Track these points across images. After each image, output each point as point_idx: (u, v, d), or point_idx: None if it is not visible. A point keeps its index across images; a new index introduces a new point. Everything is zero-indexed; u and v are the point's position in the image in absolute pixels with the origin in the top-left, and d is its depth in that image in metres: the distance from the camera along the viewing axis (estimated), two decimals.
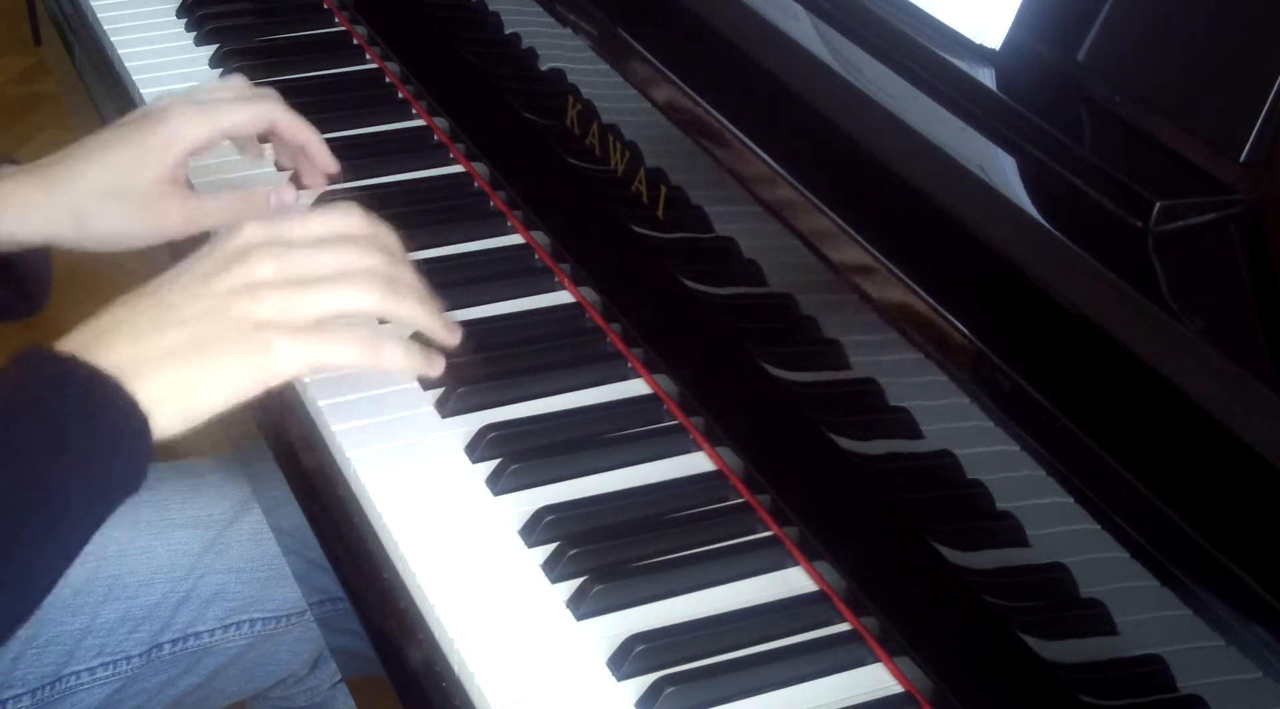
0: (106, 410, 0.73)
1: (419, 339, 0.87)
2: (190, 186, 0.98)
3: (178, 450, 0.90)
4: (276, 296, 0.79)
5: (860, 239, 0.77)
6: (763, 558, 0.82)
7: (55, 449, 0.71)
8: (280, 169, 1.09)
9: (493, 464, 0.87)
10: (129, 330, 0.77)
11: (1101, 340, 0.66)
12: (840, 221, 0.78)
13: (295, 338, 0.79)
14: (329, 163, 1.03)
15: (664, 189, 0.94)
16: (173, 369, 0.76)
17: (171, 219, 0.94)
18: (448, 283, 1.01)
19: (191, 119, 0.95)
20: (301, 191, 1.02)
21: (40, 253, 0.96)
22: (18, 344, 0.75)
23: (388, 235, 0.87)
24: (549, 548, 0.82)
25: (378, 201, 1.08)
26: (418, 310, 0.85)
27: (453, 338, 0.88)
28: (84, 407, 0.73)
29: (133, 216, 0.93)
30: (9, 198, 0.92)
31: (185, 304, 0.78)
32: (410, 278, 0.86)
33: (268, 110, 0.99)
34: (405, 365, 0.85)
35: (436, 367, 0.87)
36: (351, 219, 0.86)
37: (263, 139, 1.05)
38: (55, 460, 0.71)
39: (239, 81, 1.02)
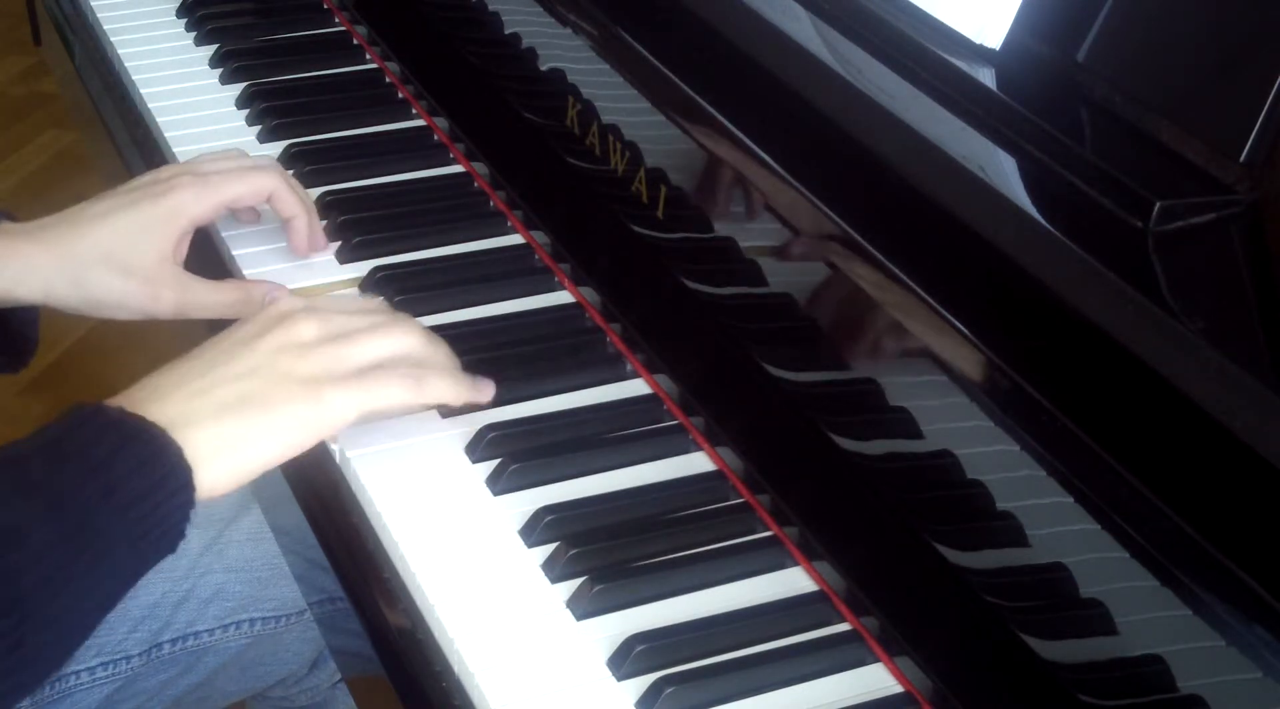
0: (154, 462, 0.74)
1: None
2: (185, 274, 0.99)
3: None
4: (320, 352, 0.82)
5: (860, 239, 0.77)
6: (763, 558, 0.82)
7: (103, 497, 0.72)
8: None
9: (493, 464, 0.87)
10: (177, 389, 0.79)
11: (1101, 340, 0.66)
12: (840, 221, 0.78)
13: (343, 387, 0.82)
14: (316, 241, 1.03)
15: (664, 189, 0.94)
16: (221, 425, 0.78)
17: (164, 303, 0.96)
18: (448, 283, 1.02)
19: (195, 193, 0.97)
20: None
21: (30, 310, 0.98)
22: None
23: (407, 316, 0.91)
24: (549, 548, 0.82)
25: (378, 202, 1.09)
26: (452, 363, 0.88)
27: (485, 396, 0.90)
28: (133, 458, 0.74)
29: (128, 291, 0.95)
30: (10, 256, 0.93)
31: (232, 364, 0.81)
32: (436, 336, 0.89)
33: (265, 181, 1.00)
34: (452, 394, 0.87)
35: (486, 391, 0.89)
36: (375, 300, 0.92)
37: None
38: (102, 507, 0.72)
39: (240, 154, 1.04)
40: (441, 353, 0.88)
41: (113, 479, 0.73)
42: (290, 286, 1.00)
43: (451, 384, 0.86)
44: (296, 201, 1.02)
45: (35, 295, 0.94)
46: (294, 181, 1.03)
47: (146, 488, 0.73)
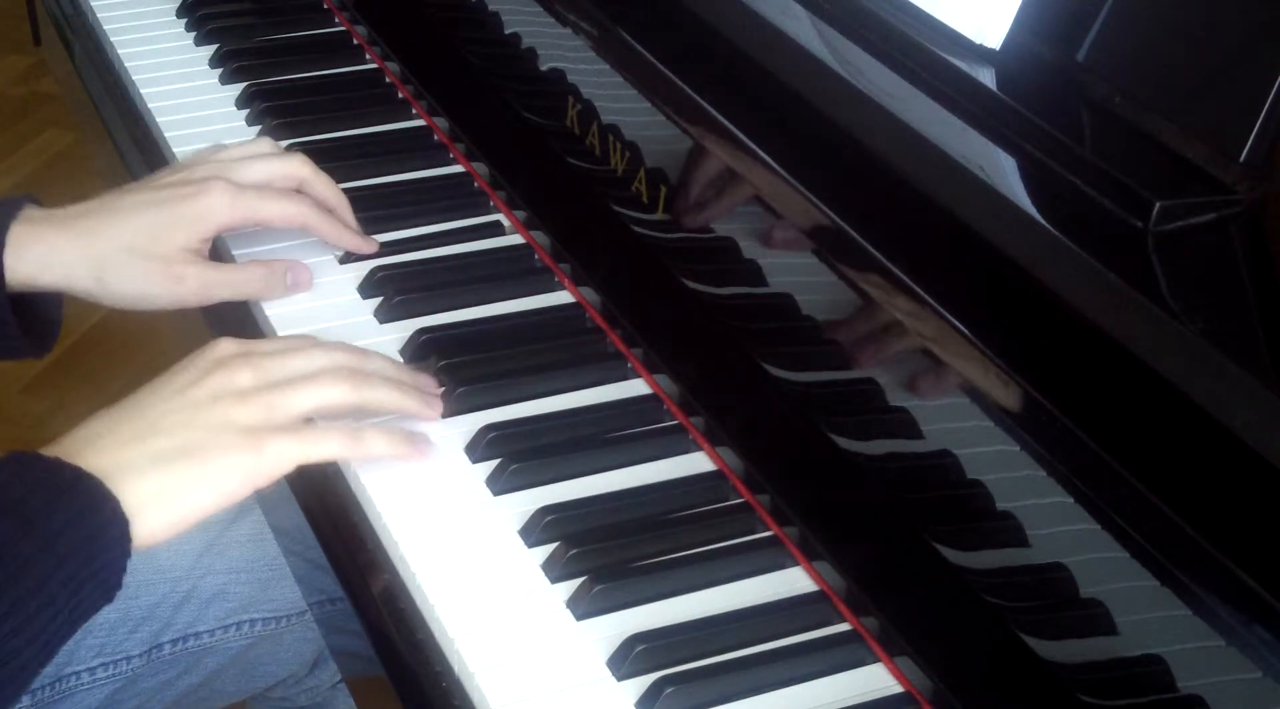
0: (90, 514, 0.74)
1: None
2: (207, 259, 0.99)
3: None
4: (256, 401, 0.82)
5: (860, 239, 0.77)
6: (763, 558, 0.82)
7: (39, 549, 0.72)
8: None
9: (493, 464, 0.87)
10: (114, 439, 0.79)
11: (1101, 340, 0.66)
12: (840, 221, 0.78)
13: (283, 437, 0.81)
14: (364, 248, 1.04)
15: (664, 189, 0.94)
16: (159, 474, 0.77)
17: (188, 286, 0.96)
18: (448, 283, 1.02)
19: (229, 202, 0.97)
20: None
21: (54, 296, 0.98)
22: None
23: (349, 346, 0.90)
24: (549, 548, 0.82)
25: (378, 201, 1.09)
26: (387, 395, 0.87)
27: (432, 412, 0.89)
28: (69, 510, 0.74)
29: (151, 279, 0.95)
30: (35, 242, 0.93)
31: (168, 413, 0.81)
32: (378, 367, 0.88)
33: (299, 212, 1.00)
34: (389, 452, 0.86)
35: (421, 449, 0.87)
36: (308, 337, 0.90)
37: None
38: (38, 560, 0.72)
39: (269, 147, 1.04)
40: (378, 392, 0.86)
41: (49, 532, 0.72)
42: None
43: (386, 443, 0.85)
44: (335, 227, 1.02)
45: (57, 283, 0.94)
46: (325, 178, 1.02)
47: (83, 539, 0.73)
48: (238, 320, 0.99)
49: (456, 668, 0.76)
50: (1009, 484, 0.71)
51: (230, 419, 0.81)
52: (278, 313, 0.98)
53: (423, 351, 0.95)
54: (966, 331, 0.71)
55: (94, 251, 0.94)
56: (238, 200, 0.97)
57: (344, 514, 0.86)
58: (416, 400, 0.88)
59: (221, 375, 0.82)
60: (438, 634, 0.78)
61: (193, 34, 1.29)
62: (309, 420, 0.84)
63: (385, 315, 0.99)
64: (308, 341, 0.89)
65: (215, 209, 0.96)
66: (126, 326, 2.09)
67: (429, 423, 0.89)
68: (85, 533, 0.74)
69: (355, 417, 0.87)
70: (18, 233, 0.93)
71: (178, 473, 0.78)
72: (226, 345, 0.85)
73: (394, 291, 0.99)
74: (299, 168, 1.01)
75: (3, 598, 0.71)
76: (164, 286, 0.95)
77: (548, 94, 1.05)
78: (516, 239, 1.06)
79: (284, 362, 0.85)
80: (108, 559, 0.74)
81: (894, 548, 0.79)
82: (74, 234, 0.94)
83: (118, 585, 0.76)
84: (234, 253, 1.04)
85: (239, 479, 0.80)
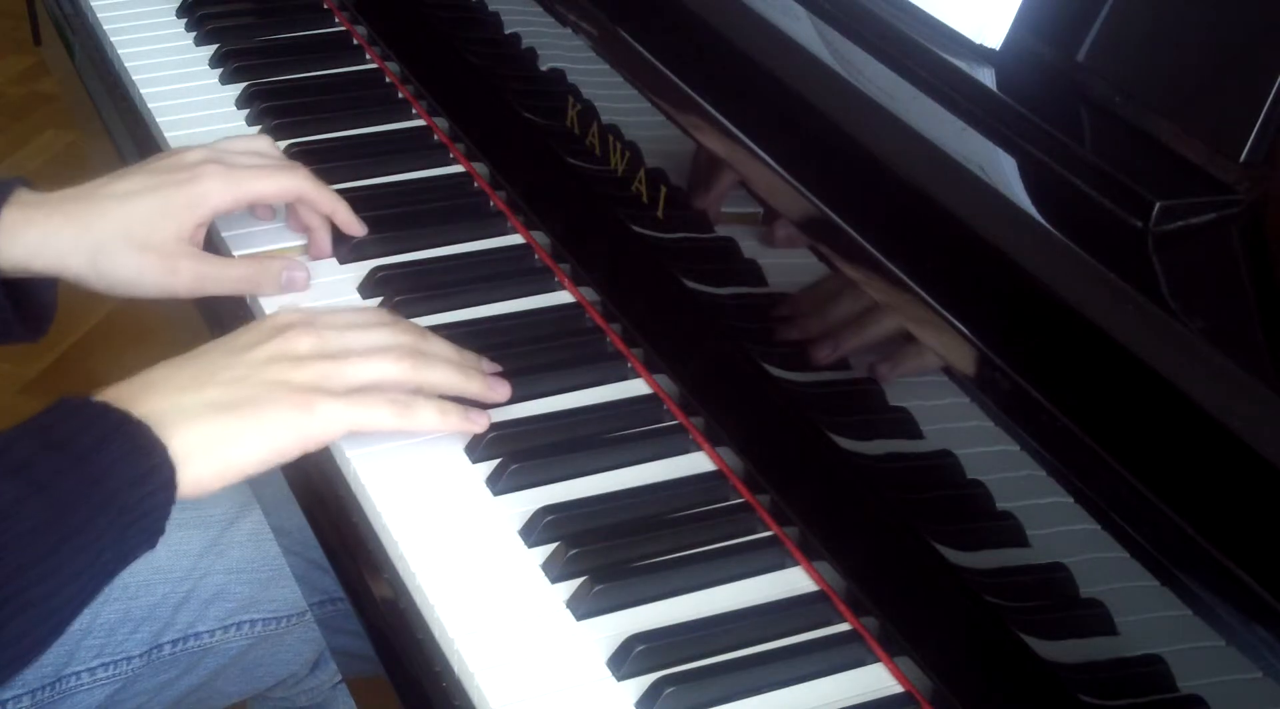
0: (137, 455, 0.75)
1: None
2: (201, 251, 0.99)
3: None
4: (314, 367, 0.83)
5: (860, 239, 0.77)
6: (763, 558, 0.82)
7: (88, 486, 0.72)
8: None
9: (493, 464, 0.87)
10: (167, 385, 0.79)
11: (1101, 340, 0.66)
12: (840, 221, 0.78)
13: (335, 401, 0.82)
14: (357, 229, 1.04)
15: (664, 189, 0.94)
16: (209, 423, 0.78)
17: (181, 277, 0.96)
18: (448, 283, 1.02)
19: (222, 185, 0.97)
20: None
21: (49, 280, 0.97)
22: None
23: (411, 325, 0.90)
24: (549, 548, 0.82)
25: (378, 201, 1.09)
26: (446, 377, 0.87)
27: (500, 395, 0.90)
28: (115, 449, 0.74)
29: (145, 268, 0.95)
30: (29, 226, 0.93)
31: (226, 368, 0.81)
32: (440, 350, 0.89)
33: (296, 184, 1.01)
34: (440, 425, 0.86)
35: (479, 422, 0.88)
36: (380, 312, 0.91)
37: None
38: (87, 497, 0.72)
39: (267, 146, 1.04)
40: (437, 373, 0.87)
41: (98, 470, 0.73)
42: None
43: (438, 416, 0.86)
44: (331, 195, 1.02)
45: (50, 268, 0.94)
46: (318, 180, 1.03)
47: (130, 481, 0.74)
48: (237, 319, 0.99)
49: (456, 668, 0.76)
50: (1009, 484, 0.71)
51: (285, 379, 0.81)
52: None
53: None
54: (966, 331, 0.71)
55: (88, 238, 0.94)
56: (231, 182, 0.97)
57: (344, 514, 0.86)
58: (479, 383, 0.88)
59: (282, 340, 0.83)
60: (438, 634, 0.78)
61: (193, 34, 1.29)
62: None
63: None
64: (373, 317, 0.89)
65: (208, 193, 0.96)
66: (127, 327, 2.08)
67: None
68: (132, 475, 0.74)
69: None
70: (11, 216, 0.93)
71: (228, 424, 0.78)
72: (291, 314, 0.86)
73: (394, 292, 0.99)
74: (297, 179, 1.01)
75: (50, 533, 0.71)
76: (157, 277, 0.95)
77: (548, 94, 1.05)
78: (516, 239, 1.06)
79: (345, 334, 0.85)
80: (153, 503, 0.75)
81: (894, 548, 0.79)
82: (69, 219, 0.94)
83: (160, 530, 0.76)
84: (235, 253, 1.04)
85: (289, 436, 0.80)
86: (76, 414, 0.75)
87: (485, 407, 0.89)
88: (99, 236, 0.94)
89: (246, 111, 1.19)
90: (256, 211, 1.06)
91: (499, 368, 0.91)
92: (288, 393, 0.81)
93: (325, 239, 1.04)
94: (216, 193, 0.97)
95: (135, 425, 0.75)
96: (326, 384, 0.82)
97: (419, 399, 0.85)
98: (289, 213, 1.06)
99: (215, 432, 0.78)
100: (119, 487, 0.73)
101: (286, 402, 0.80)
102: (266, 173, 1.00)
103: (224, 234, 1.05)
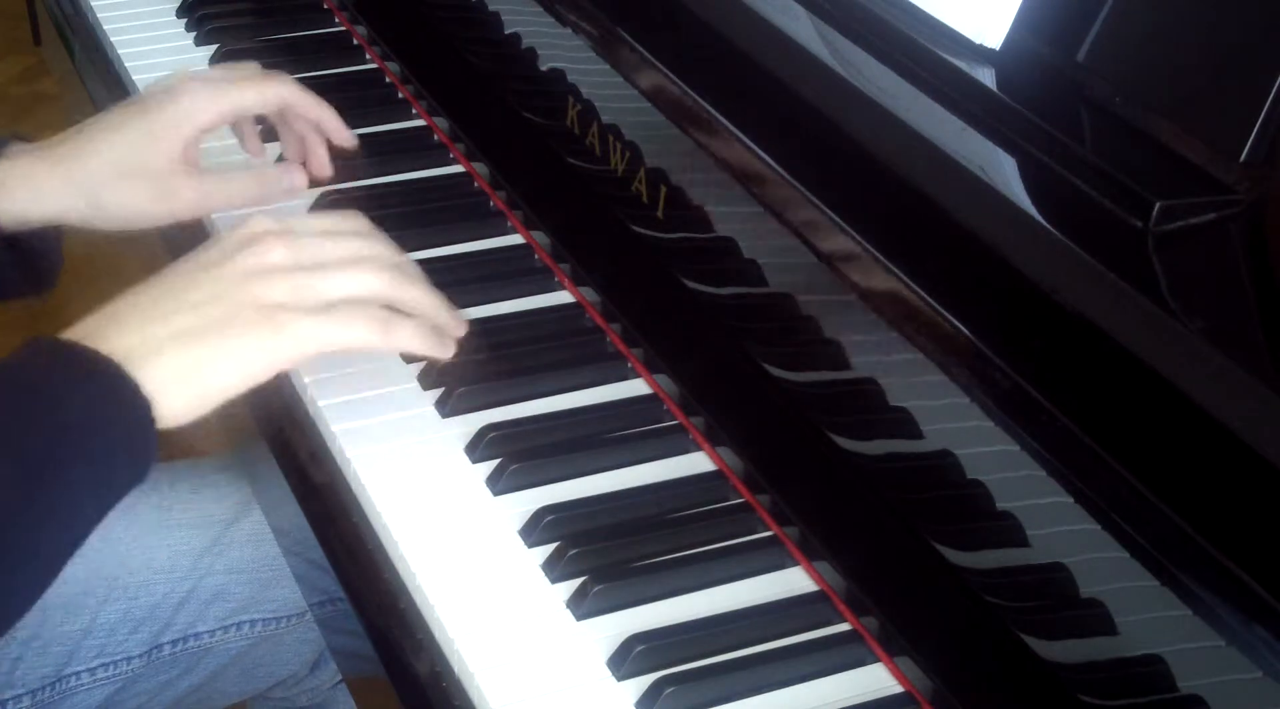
0: (109, 397, 0.73)
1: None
2: (200, 167, 0.98)
3: (177, 451, 0.90)
4: (287, 280, 0.79)
5: (860, 239, 0.77)
6: (763, 558, 0.82)
7: (58, 435, 0.71)
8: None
9: (493, 464, 0.87)
10: (135, 317, 0.77)
11: (1101, 340, 0.66)
12: (840, 221, 0.78)
13: (306, 318, 0.79)
14: (346, 137, 1.03)
15: (664, 189, 0.94)
16: (180, 353, 0.76)
17: (183, 197, 0.94)
18: (448, 283, 1.01)
19: (204, 96, 0.95)
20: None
21: (51, 232, 0.96)
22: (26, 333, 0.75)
23: (387, 238, 0.88)
24: (549, 548, 0.82)
25: (378, 201, 1.09)
26: (423, 296, 0.85)
27: (459, 328, 0.88)
28: (86, 392, 0.72)
29: (144, 195, 0.94)
30: (20, 177, 0.92)
31: (193, 289, 0.79)
32: (414, 269, 0.87)
33: (280, 89, 0.99)
34: (416, 344, 0.84)
35: (447, 348, 0.86)
36: (356, 218, 0.87)
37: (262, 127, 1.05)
38: (58, 446, 0.71)
39: (252, 65, 1.02)
40: (415, 290, 0.85)
41: (70, 417, 0.71)
42: None
43: (416, 335, 0.83)
44: (317, 101, 1.00)
45: (51, 216, 0.93)
46: (304, 87, 1.01)
47: (104, 423, 0.72)
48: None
49: (456, 668, 0.76)
50: (1009, 484, 0.71)
51: (255, 297, 0.78)
52: None
53: None
54: (966, 331, 0.71)
55: (81, 177, 0.93)
56: (214, 93, 0.96)
57: (344, 514, 0.86)
58: (448, 313, 0.87)
59: (253, 252, 0.80)
60: (438, 634, 0.78)
61: (193, 34, 1.29)
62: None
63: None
64: (349, 224, 0.86)
65: (192, 107, 0.95)
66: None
67: (426, 417, 0.89)
68: (107, 416, 0.72)
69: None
70: (3, 170, 0.92)
71: (198, 351, 0.76)
72: (262, 221, 0.82)
73: None
74: (283, 85, 0.99)
75: (24, 484, 0.69)
76: (159, 203, 0.94)
77: (548, 94, 1.05)
78: (516, 239, 1.06)
79: (321, 244, 0.83)
80: (132, 443, 0.73)
81: (894, 548, 0.79)
82: (59, 163, 0.93)
83: (147, 464, 0.74)
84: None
85: (261, 359, 0.78)
86: (46, 356, 0.73)
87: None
88: (92, 172, 0.92)
89: None
90: (247, 145, 1.05)
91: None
92: (257, 312, 0.78)
93: (323, 153, 1.02)
94: (200, 107, 0.95)
95: (106, 364, 0.73)
96: (301, 299, 0.79)
97: (397, 316, 0.83)
98: (281, 133, 1.04)
99: (187, 361, 0.76)
100: (93, 433, 0.72)
101: (257, 321, 0.77)
102: (249, 82, 0.98)
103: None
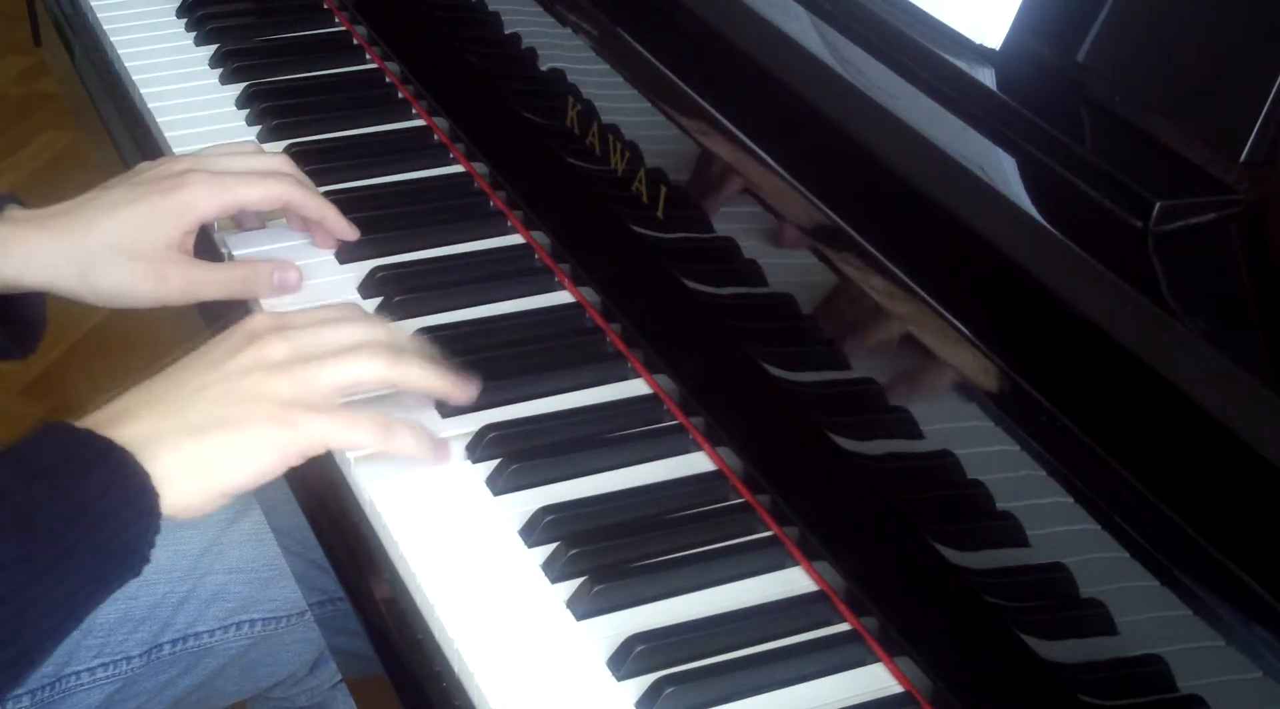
0: (121, 486, 0.74)
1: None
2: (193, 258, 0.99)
3: None
4: (290, 375, 0.82)
5: (860, 239, 0.77)
6: (763, 558, 0.82)
7: (71, 516, 0.72)
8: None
9: (493, 464, 0.87)
10: (146, 410, 0.79)
11: (1101, 340, 0.66)
12: (840, 221, 0.78)
13: (317, 415, 0.81)
14: (347, 233, 1.04)
15: (664, 189, 0.94)
16: (191, 445, 0.77)
17: (173, 285, 0.96)
18: (448, 283, 1.02)
19: (208, 191, 0.97)
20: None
21: (36, 296, 0.98)
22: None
23: (384, 321, 0.91)
24: (549, 548, 0.82)
25: (378, 201, 1.09)
26: (422, 375, 0.87)
27: (466, 395, 0.89)
28: (101, 480, 0.74)
29: (136, 277, 0.95)
30: (17, 243, 0.93)
31: (203, 387, 0.81)
32: (413, 346, 0.88)
33: (282, 190, 1.01)
34: (414, 451, 0.86)
35: (443, 456, 0.87)
36: (349, 307, 0.91)
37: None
38: (70, 526, 0.72)
39: (254, 152, 1.04)
40: (413, 368, 0.86)
41: (80, 501, 0.72)
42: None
43: (417, 444, 0.85)
44: (318, 200, 1.02)
45: (40, 283, 0.94)
46: (306, 180, 1.03)
47: (112, 509, 0.73)
48: (238, 319, 0.98)
49: (456, 668, 0.76)
50: (1009, 484, 0.71)
51: (263, 392, 0.80)
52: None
53: None
54: (966, 331, 0.71)
55: (77, 251, 0.94)
56: (217, 188, 0.97)
57: (344, 514, 0.86)
58: (451, 382, 0.88)
59: (256, 349, 0.82)
60: (438, 634, 0.78)
61: (193, 34, 1.29)
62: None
63: (386, 315, 0.98)
64: (344, 313, 0.89)
65: (194, 200, 0.96)
66: (126, 328, 2.08)
67: (426, 417, 0.89)
68: (114, 503, 0.73)
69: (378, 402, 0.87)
70: (1, 234, 0.93)
71: (209, 444, 0.78)
72: (261, 319, 0.85)
73: (394, 292, 0.99)
74: (283, 185, 1.01)
75: (30, 564, 0.70)
76: (148, 286, 0.95)
77: (548, 94, 1.05)
78: (516, 239, 1.06)
79: (318, 334, 0.85)
80: (136, 531, 0.74)
81: (894, 548, 0.79)
82: (57, 234, 0.94)
83: (145, 558, 0.75)
84: (235, 253, 1.04)
85: (271, 453, 0.80)
86: (58, 441, 0.75)
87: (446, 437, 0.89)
88: (88, 248, 0.94)
89: (246, 112, 1.19)
90: (245, 223, 1.06)
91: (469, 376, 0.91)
92: (268, 407, 0.80)
93: (325, 236, 1.03)
94: (203, 200, 0.97)
95: (118, 453, 0.75)
96: (306, 394, 0.81)
97: (399, 423, 0.85)
98: (288, 214, 1.06)
99: (196, 454, 0.77)
100: (101, 518, 0.73)
101: (267, 417, 0.80)
102: (252, 180, 1.00)
103: (222, 232, 1.05)
